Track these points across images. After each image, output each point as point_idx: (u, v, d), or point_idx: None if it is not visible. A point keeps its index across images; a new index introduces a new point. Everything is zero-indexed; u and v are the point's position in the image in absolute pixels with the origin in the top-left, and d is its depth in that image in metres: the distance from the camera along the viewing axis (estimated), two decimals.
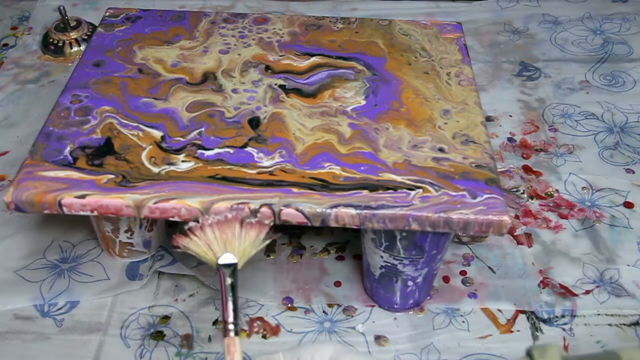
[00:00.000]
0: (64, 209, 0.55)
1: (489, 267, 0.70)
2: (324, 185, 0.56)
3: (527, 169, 0.81)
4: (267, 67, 0.69)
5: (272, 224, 0.53)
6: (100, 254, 0.70)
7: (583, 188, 0.79)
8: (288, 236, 0.72)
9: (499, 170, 0.79)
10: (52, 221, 0.73)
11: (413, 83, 0.68)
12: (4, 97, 0.91)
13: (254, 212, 0.53)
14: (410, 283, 0.62)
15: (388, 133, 0.61)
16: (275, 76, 0.68)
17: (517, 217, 0.75)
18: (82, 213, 0.55)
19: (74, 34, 0.99)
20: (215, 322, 0.64)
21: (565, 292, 0.67)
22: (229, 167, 0.58)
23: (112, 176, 0.56)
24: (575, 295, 0.67)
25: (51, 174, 0.56)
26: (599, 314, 0.65)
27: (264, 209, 0.53)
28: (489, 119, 0.88)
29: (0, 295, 0.66)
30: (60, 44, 0.98)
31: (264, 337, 0.63)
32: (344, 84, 0.67)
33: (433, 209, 0.54)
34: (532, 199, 0.77)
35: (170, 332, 0.63)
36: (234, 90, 0.66)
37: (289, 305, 0.66)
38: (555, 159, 0.82)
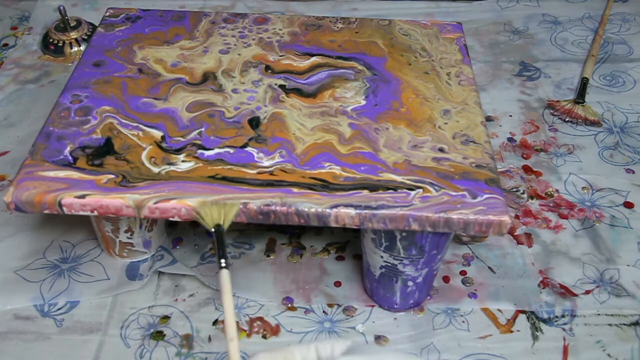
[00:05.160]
0: (64, 209, 0.55)
1: (489, 267, 0.70)
2: (324, 185, 0.56)
3: (527, 169, 0.81)
4: (267, 67, 0.69)
5: None
6: (100, 254, 0.70)
7: (583, 188, 0.79)
8: (288, 236, 0.72)
9: (499, 170, 0.79)
10: (52, 221, 0.73)
11: (413, 83, 0.68)
12: (4, 97, 0.91)
13: None
14: (410, 283, 0.62)
15: (388, 133, 0.61)
16: (275, 76, 0.68)
17: (517, 217, 0.75)
18: (82, 213, 0.55)
19: (74, 34, 0.99)
20: (215, 322, 0.64)
21: (565, 292, 0.67)
22: (229, 167, 0.58)
23: (112, 176, 0.56)
24: (575, 295, 0.67)
25: (51, 174, 0.56)
26: (599, 314, 0.65)
27: None
28: (489, 119, 0.88)
29: (0, 295, 0.66)
30: (60, 44, 0.98)
31: (264, 337, 0.63)
32: (344, 84, 0.67)
33: (433, 209, 0.54)
34: (532, 199, 0.77)
35: (170, 332, 0.63)
36: (234, 90, 0.66)
37: (289, 305, 0.66)
38: (555, 159, 0.82)
